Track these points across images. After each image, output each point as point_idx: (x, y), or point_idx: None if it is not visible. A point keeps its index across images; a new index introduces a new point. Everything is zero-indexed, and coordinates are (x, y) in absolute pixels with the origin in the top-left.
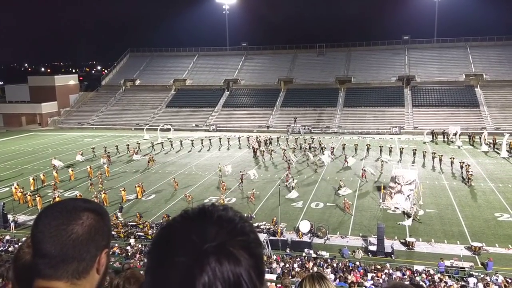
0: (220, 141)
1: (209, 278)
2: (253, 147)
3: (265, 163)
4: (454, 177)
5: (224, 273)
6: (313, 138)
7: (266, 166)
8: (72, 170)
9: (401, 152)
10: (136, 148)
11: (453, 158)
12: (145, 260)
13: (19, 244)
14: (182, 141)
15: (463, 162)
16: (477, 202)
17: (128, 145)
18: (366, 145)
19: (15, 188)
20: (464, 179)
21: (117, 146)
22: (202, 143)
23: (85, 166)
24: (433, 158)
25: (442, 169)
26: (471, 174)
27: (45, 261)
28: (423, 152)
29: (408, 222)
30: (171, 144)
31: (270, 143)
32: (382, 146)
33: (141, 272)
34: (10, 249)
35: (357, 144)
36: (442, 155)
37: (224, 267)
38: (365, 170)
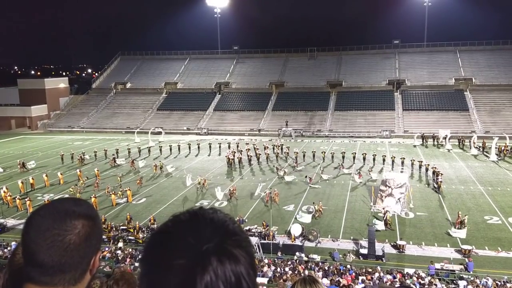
0: (198, 147)
1: (211, 279)
2: (228, 158)
3: (260, 166)
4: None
5: (226, 273)
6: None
7: (262, 169)
8: (61, 174)
9: (393, 162)
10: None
11: (435, 168)
12: (138, 265)
13: (9, 248)
14: (158, 148)
15: (437, 169)
16: (466, 205)
17: (106, 150)
18: (362, 154)
19: (4, 192)
20: (434, 187)
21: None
22: (177, 149)
23: (75, 170)
24: (419, 167)
25: (429, 180)
26: (440, 181)
27: (41, 270)
28: (411, 160)
29: (380, 226)
30: (170, 149)
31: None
32: (376, 155)
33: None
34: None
35: (355, 153)
36: (428, 164)
37: (225, 267)
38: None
